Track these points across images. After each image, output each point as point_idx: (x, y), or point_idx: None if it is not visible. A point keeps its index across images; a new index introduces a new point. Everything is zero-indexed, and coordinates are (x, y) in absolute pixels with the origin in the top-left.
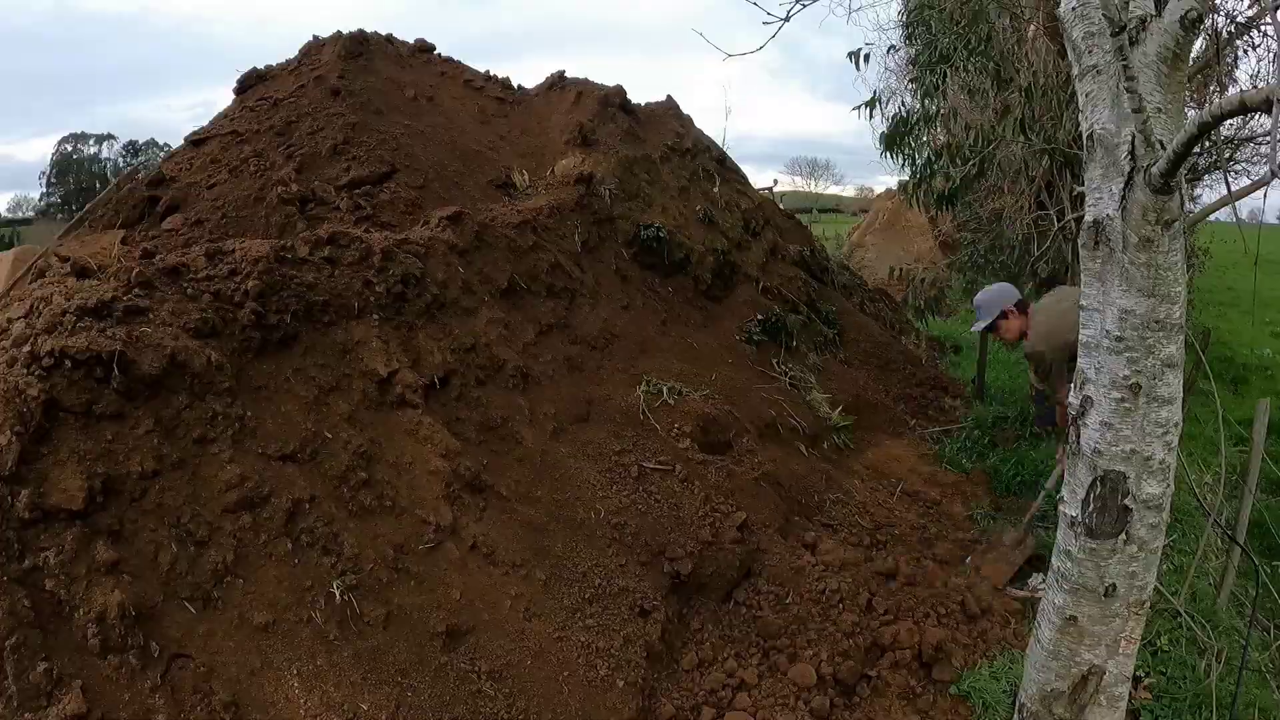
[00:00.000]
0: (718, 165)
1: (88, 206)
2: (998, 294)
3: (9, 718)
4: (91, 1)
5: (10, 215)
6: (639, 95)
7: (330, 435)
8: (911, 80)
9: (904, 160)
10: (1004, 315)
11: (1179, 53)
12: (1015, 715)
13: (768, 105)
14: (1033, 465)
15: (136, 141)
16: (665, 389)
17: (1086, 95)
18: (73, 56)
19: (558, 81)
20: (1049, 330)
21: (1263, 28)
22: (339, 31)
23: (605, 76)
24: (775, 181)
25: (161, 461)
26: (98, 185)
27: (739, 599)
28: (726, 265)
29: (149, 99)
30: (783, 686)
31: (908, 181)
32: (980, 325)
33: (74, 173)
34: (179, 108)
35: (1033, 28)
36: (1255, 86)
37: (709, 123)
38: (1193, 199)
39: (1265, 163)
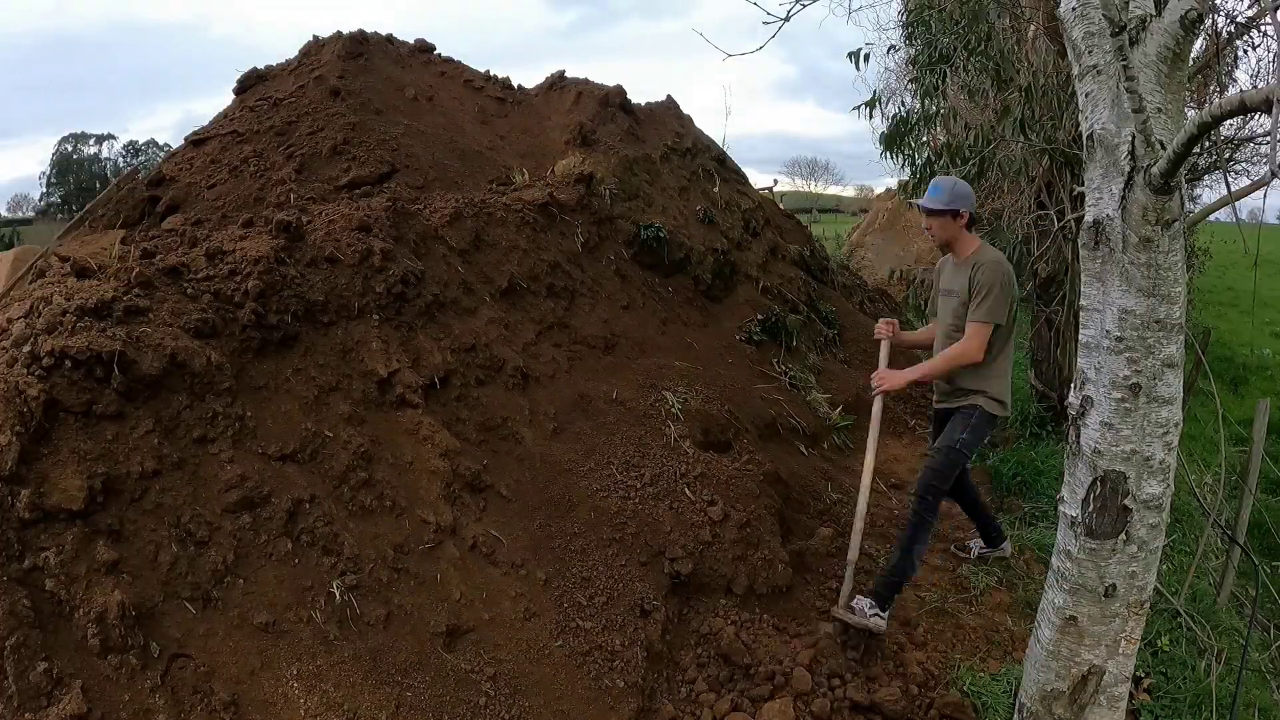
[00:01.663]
0: (718, 165)
1: (88, 206)
2: (965, 191)
3: (9, 718)
4: (149, 12)
5: (10, 215)
6: (656, 97)
7: (330, 435)
8: (911, 80)
9: (904, 160)
10: (957, 214)
11: (1179, 53)
12: (1015, 715)
13: (777, 116)
14: (1032, 465)
15: (136, 141)
16: (666, 389)
17: (1087, 95)
18: (127, 61)
19: (558, 81)
20: (1001, 262)
21: (1263, 28)
22: (339, 31)
23: (613, 79)
24: (775, 181)
25: (161, 461)
26: (98, 185)
27: (739, 599)
28: (726, 265)
29: (194, 101)
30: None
31: (908, 181)
32: (929, 202)
33: (74, 173)
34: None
35: (1033, 28)
36: (1255, 86)
37: (710, 124)
38: (1193, 199)
39: (1265, 163)
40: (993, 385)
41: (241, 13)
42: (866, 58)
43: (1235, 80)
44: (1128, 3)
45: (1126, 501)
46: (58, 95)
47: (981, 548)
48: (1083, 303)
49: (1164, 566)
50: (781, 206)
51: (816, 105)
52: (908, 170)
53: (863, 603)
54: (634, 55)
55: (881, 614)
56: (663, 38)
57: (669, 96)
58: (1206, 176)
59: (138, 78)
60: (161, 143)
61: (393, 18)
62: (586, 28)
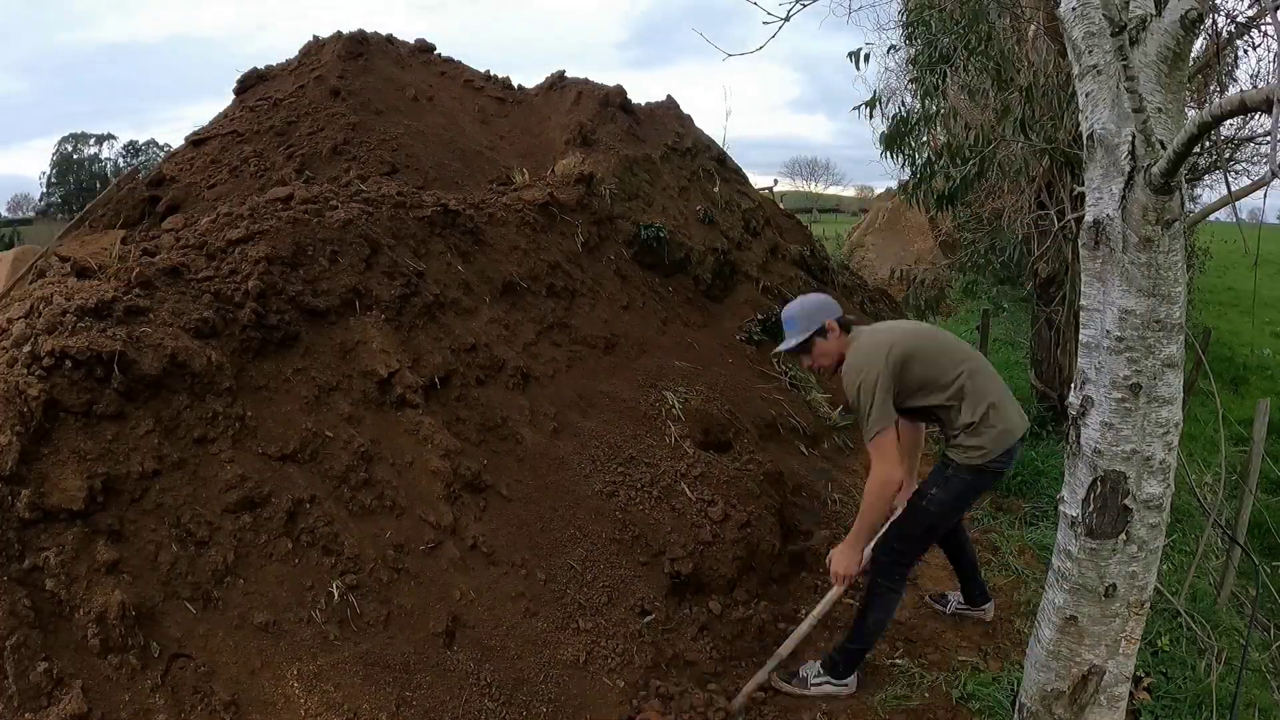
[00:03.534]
0: (718, 165)
1: (88, 206)
2: (817, 305)
3: (9, 718)
4: (202, 29)
5: (10, 215)
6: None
7: (330, 435)
8: (911, 80)
9: (904, 160)
10: (823, 331)
11: (1179, 53)
12: (1015, 715)
13: (785, 122)
14: (1032, 465)
15: (136, 141)
16: (666, 389)
17: (1087, 95)
18: (184, 68)
19: (558, 81)
20: (876, 344)
21: (1263, 28)
22: (339, 31)
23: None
24: (775, 181)
25: (162, 461)
26: (98, 185)
27: (739, 599)
28: (726, 265)
29: (209, 105)
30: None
31: (908, 181)
32: (789, 344)
33: (74, 173)
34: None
35: (1033, 28)
36: (1255, 86)
37: (710, 125)
38: (1193, 199)
39: (1265, 163)
40: (964, 436)
41: (303, 15)
42: (866, 58)
43: (1235, 80)
44: (1128, 3)
45: (1126, 501)
46: (91, 100)
47: (960, 603)
48: (1083, 303)
49: (1164, 566)
50: (781, 206)
51: (826, 119)
52: (908, 170)
53: (809, 669)
54: (681, 65)
55: (835, 681)
56: (711, 64)
57: (669, 96)
58: (1206, 176)
59: (180, 84)
60: (162, 143)
61: (465, 51)
62: (650, 63)
